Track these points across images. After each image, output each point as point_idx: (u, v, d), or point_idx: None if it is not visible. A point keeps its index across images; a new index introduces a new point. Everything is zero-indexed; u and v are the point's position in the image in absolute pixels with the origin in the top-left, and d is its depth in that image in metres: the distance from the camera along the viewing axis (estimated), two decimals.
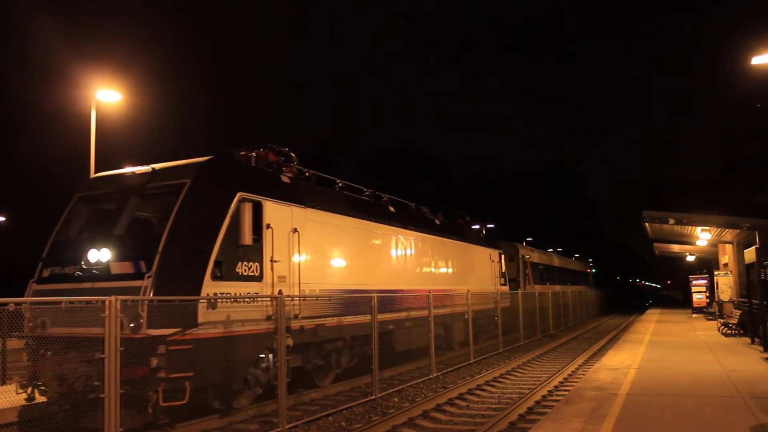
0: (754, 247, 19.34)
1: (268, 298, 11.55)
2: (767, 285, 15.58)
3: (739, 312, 23.59)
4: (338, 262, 14.63)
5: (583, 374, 15.79)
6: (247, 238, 11.11)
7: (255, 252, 11.52)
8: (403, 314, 16.87)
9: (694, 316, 35.75)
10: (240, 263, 11.15)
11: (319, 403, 12.96)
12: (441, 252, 20.77)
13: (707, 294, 36.39)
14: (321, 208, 14.01)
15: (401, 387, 14.53)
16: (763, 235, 19.70)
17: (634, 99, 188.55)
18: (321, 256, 13.84)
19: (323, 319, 13.35)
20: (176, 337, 9.59)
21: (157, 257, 9.92)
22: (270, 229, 11.97)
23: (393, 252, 17.46)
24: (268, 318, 11.47)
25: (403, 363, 17.49)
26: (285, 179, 13.48)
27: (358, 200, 16.98)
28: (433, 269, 20.10)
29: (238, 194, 11.32)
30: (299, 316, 12.43)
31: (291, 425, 10.61)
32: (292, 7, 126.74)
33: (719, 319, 26.02)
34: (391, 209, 18.44)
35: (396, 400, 13.34)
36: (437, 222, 21.64)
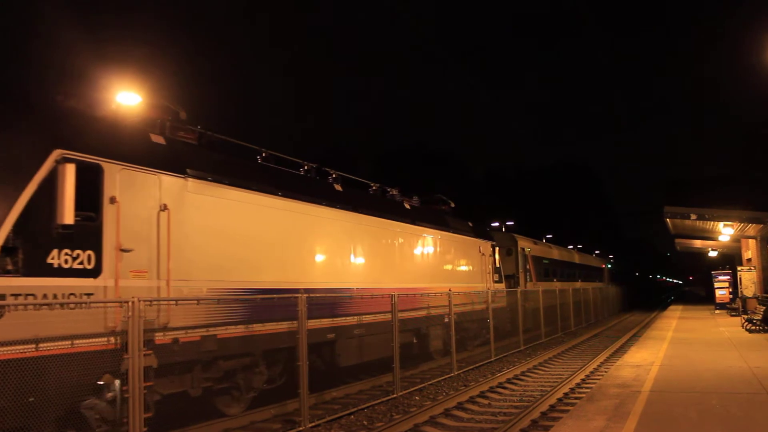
0: None
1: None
2: None
3: (764, 308, 23.30)
4: (246, 252, 11.30)
5: (605, 371, 15.71)
6: (68, 215, 8.08)
7: (88, 236, 8.45)
8: (352, 319, 13.82)
9: (717, 312, 35.38)
10: (57, 251, 8.04)
11: (340, 401, 13.01)
12: (411, 243, 17.51)
13: (730, 290, 36.02)
14: (214, 180, 10.71)
15: (423, 385, 14.53)
16: None
17: (655, 93, 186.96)
18: (213, 244, 10.52)
19: (216, 328, 10.22)
20: None
21: None
22: (116, 205, 8.80)
23: (339, 241, 14.15)
24: (112, 332, 8.48)
25: (354, 381, 14.83)
26: (157, 139, 10.20)
27: (285, 175, 13.48)
28: (398, 263, 16.70)
29: (56, 152, 8.19)
30: (168, 325, 9.27)
31: (313, 424, 10.66)
32: (314, 9, 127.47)
33: (743, 315, 25.74)
34: (337, 188, 15.10)
35: (417, 398, 13.36)
36: (407, 206, 18.35)
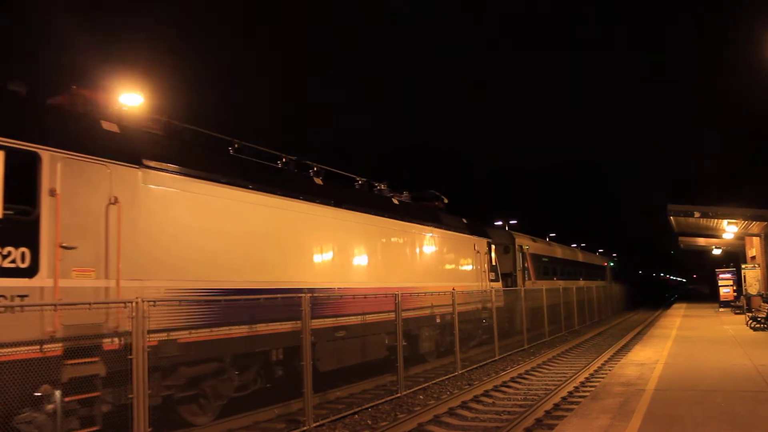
0: None
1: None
2: None
3: None
4: (213, 250, 10.42)
5: (610, 370, 15.67)
6: None
7: (22, 231, 7.71)
8: (333, 321, 12.92)
9: (721, 310, 35.31)
10: None
11: (345, 401, 13.01)
12: (399, 240, 16.52)
13: (734, 288, 35.95)
14: (176, 172, 9.92)
15: (426, 384, 14.53)
16: None
17: (660, 90, 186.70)
18: (174, 241, 9.71)
19: (176, 332, 9.36)
20: None
21: None
22: (56, 197, 8.03)
23: (318, 238, 13.20)
24: (51, 338, 7.67)
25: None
26: (109, 126, 9.32)
27: (258, 167, 12.63)
28: (384, 262, 15.64)
29: None
30: (117, 329, 8.42)
31: (317, 424, 10.66)
32: (315, 9, 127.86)
33: (747, 313, 25.67)
34: (318, 182, 14.19)
35: (421, 397, 13.36)
36: (395, 202, 17.43)
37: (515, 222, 52.86)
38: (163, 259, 9.50)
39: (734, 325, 24.42)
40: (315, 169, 14.51)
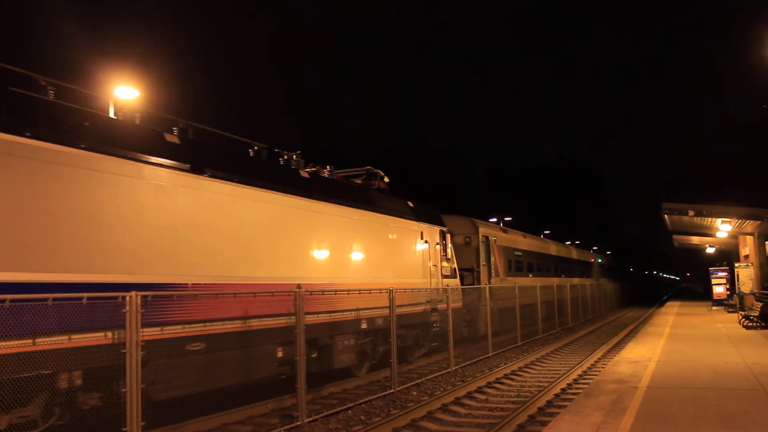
0: None
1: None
2: None
3: (761, 304, 23.33)
4: None
5: (603, 367, 15.72)
6: None
7: None
8: (180, 329, 9.37)
9: (715, 308, 35.43)
10: None
11: (338, 396, 13.01)
12: (306, 223, 12.93)
13: (728, 286, 36.08)
14: None
15: (420, 381, 14.53)
16: None
17: (656, 90, 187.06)
18: None
19: None
20: None
21: None
22: None
23: (165, 216, 9.64)
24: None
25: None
26: None
27: (67, 112, 8.89)
28: (284, 249, 12.24)
29: None
30: None
31: (311, 419, 10.66)
32: (315, 6, 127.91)
33: (740, 312, 25.76)
34: (171, 139, 10.40)
35: (415, 393, 13.37)
36: (303, 175, 13.68)
37: (510, 219, 52.87)
38: None
39: (727, 323, 24.50)
40: (182, 126, 10.95)
